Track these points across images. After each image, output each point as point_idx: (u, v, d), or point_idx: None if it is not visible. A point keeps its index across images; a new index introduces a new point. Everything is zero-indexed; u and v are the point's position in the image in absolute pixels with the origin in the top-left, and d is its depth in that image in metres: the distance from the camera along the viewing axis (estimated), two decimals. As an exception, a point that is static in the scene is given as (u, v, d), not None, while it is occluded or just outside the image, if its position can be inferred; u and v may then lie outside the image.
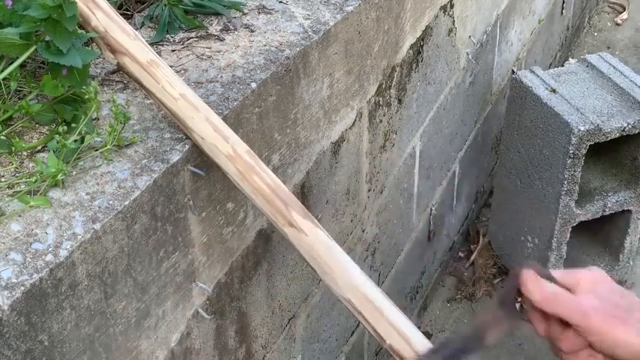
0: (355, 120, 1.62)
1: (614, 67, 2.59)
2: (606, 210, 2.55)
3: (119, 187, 0.95)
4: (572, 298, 0.87)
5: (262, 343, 1.42)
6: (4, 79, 0.98)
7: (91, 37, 1.04)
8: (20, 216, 0.89)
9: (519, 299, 0.91)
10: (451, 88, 2.29)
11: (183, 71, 1.20)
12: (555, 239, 2.55)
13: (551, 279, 0.89)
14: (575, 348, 0.87)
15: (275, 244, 1.38)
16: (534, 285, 0.88)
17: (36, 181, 0.91)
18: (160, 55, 1.22)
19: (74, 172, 0.96)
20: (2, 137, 0.96)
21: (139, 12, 1.35)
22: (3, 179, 0.93)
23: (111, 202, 0.92)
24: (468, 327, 0.92)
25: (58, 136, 0.94)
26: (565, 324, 0.87)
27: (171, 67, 1.20)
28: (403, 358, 0.92)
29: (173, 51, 1.25)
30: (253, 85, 1.18)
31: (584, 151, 2.35)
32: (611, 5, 4.60)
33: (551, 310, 0.87)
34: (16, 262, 0.83)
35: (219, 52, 1.26)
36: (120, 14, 1.07)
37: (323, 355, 1.76)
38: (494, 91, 2.85)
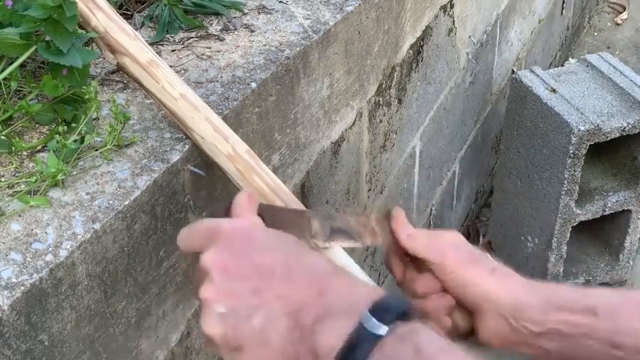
0: (355, 120, 1.62)
1: (614, 67, 2.59)
2: (606, 210, 2.55)
3: (119, 187, 0.95)
4: (431, 240, 0.93)
5: (262, 343, 1.42)
6: (4, 79, 0.98)
7: (91, 37, 1.04)
8: (20, 216, 0.89)
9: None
10: (451, 88, 2.29)
11: (183, 71, 1.20)
12: (555, 239, 2.55)
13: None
14: (427, 291, 0.92)
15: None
16: (400, 221, 0.93)
17: (36, 181, 0.91)
18: (159, 55, 1.22)
19: (74, 172, 0.96)
20: (2, 137, 0.96)
21: (139, 12, 1.35)
22: (3, 179, 0.93)
23: (111, 201, 0.92)
24: (348, 217, 0.94)
25: (58, 136, 0.94)
26: (420, 268, 0.93)
27: (171, 67, 1.20)
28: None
29: (173, 51, 1.25)
30: (253, 85, 1.18)
31: (584, 151, 2.35)
32: (611, 5, 4.60)
33: (412, 248, 0.92)
34: (16, 262, 0.83)
35: (219, 52, 1.26)
36: (120, 14, 1.07)
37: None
38: (494, 91, 2.85)
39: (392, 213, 0.94)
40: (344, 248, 0.93)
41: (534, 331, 0.87)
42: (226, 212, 0.85)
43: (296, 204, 1.01)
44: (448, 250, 0.91)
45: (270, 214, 0.88)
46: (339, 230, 0.91)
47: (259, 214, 0.85)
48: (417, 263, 0.94)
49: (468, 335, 0.94)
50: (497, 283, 0.89)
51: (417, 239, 0.93)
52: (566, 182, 2.41)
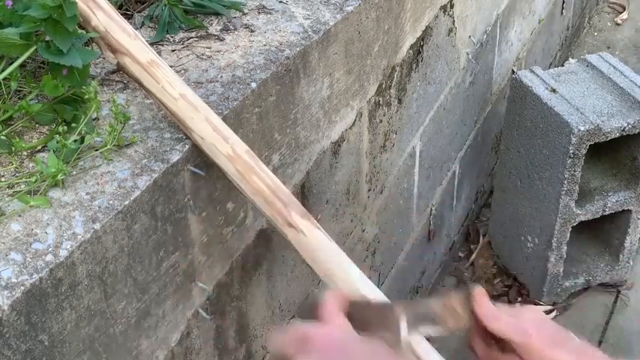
0: (355, 120, 1.62)
1: (614, 67, 2.59)
2: (606, 210, 2.55)
3: (119, 187, 0.95)
4: (515, 320, 0.91)
5: (262, 343, 1.42)
6: (4, 79, 0.98)
7: (91, 37, 1.04)
8: (20, 216, 0.89)
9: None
10: (451, 88, 2.29)
11: (183, 71, 1.20)
12: (555, 239, 2.55)
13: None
14: None
15: (275, 244, 1.38)
16: (482, 302, 0.91)
17: (36, 181, 0.91)
18: (159, 55, 1.22)
19: (74, 172, 0.96)
20: (2, 137, 0.96)
21: (139, 12, 1.35)
22: (3, 179, 0.93)
23: (111, 201, 0.92)
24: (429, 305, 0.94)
25: (58, 136, 0.94)
26: (504, 348, 0.91)
27: (171, 67, 1.20)
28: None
29: (173, 51, 1.25)
30: (253, 85, 1.18)
31: (584, 151, 2.35)
32: (611, 5, 4.60)
33: (493, 327, 0.90)
34: (16, 262, 0.83)
35: (219, 52, 1.26)
36: (120, 14, 1.07)
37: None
38: (494, 91, 2.85)
39: (472, 293, 0.92)
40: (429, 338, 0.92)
41: None
42: (312, 311, 0.86)
43: (295, 205, 1.01)
44: (533, 330, 0.90)
45: (357, 312, 0.89)
46: (424, 317, 0.90)
47: (347, 313, 0.86)
48: (500, 344, 0.92)
49: None
50: None
51: (502, 320, 0.90)
52: (566, 182, 2.41)
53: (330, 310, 0.85)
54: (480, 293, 0.92)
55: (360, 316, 0.88)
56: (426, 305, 0.92)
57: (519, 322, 0.91)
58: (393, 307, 0.90)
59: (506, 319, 0.91)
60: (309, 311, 0.87)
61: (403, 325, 0.88)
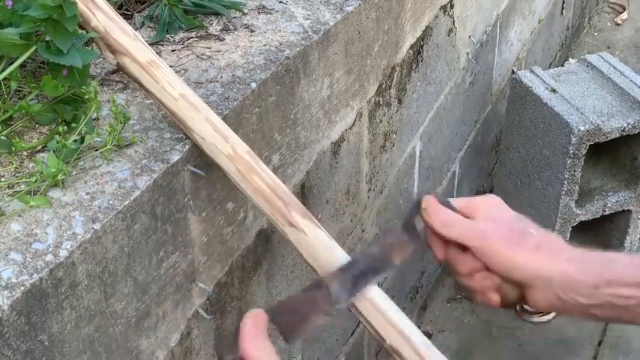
0: (355, 120, 1.62)
1: (614, 67, 2.59)
2: (606, 210, 2.55)
3: (119, 187, 0.95)
4: (468, 223, 0.90)
5: (262, 343, 1.42)
6: (4, 79, 0.98)
7: (91, 38, 1.04)
8: (20, 216, 0.89)
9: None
10: (451, 88, 2.29)
11: (183, 71, 1.20)
12: (555, 239, 2.55)
13: (450, 207, 0.93)
14: (471, 270, 0.90)
15: (275, 244, 1.38)
16: (433, 211, 0.91)
17: (36, 181, 0.91)
18: (159, 55, 1.22)
19: (74, 172, 0.96)
20: (2, 137, 0.96)
21: (139, 12, 1.35)
22: (3, 179, 0.93)
23: (111, 202, 0.92)
24: (373, 248, 0.96)
25: (58, 136, 0.94)
26: (462, 248, 0.90)
27: (171, 67, 1.20)
28: (403, 357, 0.93)
29: (173, 51, 1.25)
30: (253, 85, 1.18)
31: (584, 151, 2.35)
32: (611, 5, 4.60)
33: (448, 235, 0.90)
34: (16, 262, 0.83)
35: (219, 52, 1.26)
36: (120, 14, 1.07)
37: (323, 355, 1.76)
38: (494, 91, 2.85)
39: (422, 204, 0.92)
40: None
41: (584, 303, 0.87)
42: (234, 342, 0.86)
43: (296, 204, 1.01)
44: (488, 232, 0.89)
45: (283, 313, 0.89)
46: (363, 274, 0.91)
47: (274, 323, 0.87)
48: (458, 244, 0.91)
49: (516, 302, 0.92)
50: (545, 262, 0.87)
51: (455, 226, 0.90)
52: (566, 182, 2.41)
53: (248, 337, 0.84)
54: (428, 203, 0.92)
55: (288, 314, 0.89)
56: (365, 257, 0.93)
57: (474, 224, 0.90)
58: (326, 281, 0.90)
59: (460, 224, 0.90)
60: (232, 344, 0.86)
61: (338, 295, 0.88)
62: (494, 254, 0.88)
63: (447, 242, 0.92)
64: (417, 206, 0.93)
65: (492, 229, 0.89)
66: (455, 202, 0.94)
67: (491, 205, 0.93)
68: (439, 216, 0.91)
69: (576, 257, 0.88)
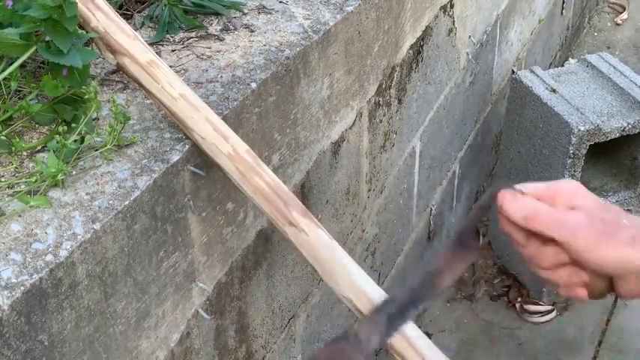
0: (355, 120, 1.62)
1: (614, 67, 2.59)
2: (606, 210, 2.55)
3: (119, 187, 0.95)
4: (556, 214, 0.81)
5: (262, 343, 1.42)
6: (4, 79, 0.98)
7: (90, 38, 1.04)
8: (20, 216, 0.89)
9: (481, 233, 0.85)
10: (451, 88, 2.29)
11: (183, 71, 1.20)
12: (555, 239, 2.55)
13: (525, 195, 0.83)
14: (556, 264, 0.82)
15: (275, 244, 1.38)
16: (513, 204, 0.82)
17: (36, 181, 0.91)
18: (159, 55, 1.22)
19: (74, 172, 0.96)
20: (2, 137, 0.96)
21: (139, 12, 1.35)
22: (3, 179, 0.93)
23: (111, 202, 0.92)
24: (413, 278, 0.85)
25: (58, 136, 0.94)
26: (545, 239, 0.81)
27: (171, 67, 1.20)
28: (404, 358, 0.92)
29: (173, 51, 1.25)
30: (253, 85, 1.18)
31: (584, 151, 2.35)
32: (611, 5, 4.60)
33: (534, 228, 0.81)
34: (16, 262, 0.83)
35: (219, 52, 1.26)
36: (120, 14, 1.07)
37: (323, 355, 1.76)
38: (494, 91, 2.85)
39: (497, 197, 0.82)
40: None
41: None
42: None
43: (296, 203, 1.01)
44: (578, 224, 0.79)
45: None
46: (400, 312, 0.82)
47: None
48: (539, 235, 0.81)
49: (604, 294, 0.84)
50: None
51: (539, 217, 0.80)
52: (566, 182, 2.41)
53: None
54: (505, 198, 0.82)
55: None
56: (404, 291, 0.83)
57: (563, 215, 0.80)
58: (354, 331, 0.83)
59: (546, 215, 0.80)
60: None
61: (368, 340, 0.81)
62: (587, 250, 0.79)
63: (528, 233, 0.82)
64: (484, 206, 0.84)
65: (583, 220, 0.80)
66: (531, 188, 0.84)
67: (572, 191, 0.83)
68: (521, 209, 0.81)
69: None
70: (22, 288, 0.80)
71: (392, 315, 0.83)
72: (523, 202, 0.82)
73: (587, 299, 0.83)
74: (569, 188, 0.83)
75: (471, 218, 0.86)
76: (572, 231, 0.79)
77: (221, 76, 1.19)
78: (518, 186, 0.83)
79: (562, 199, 0.82)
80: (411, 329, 0.93)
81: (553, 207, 0.82)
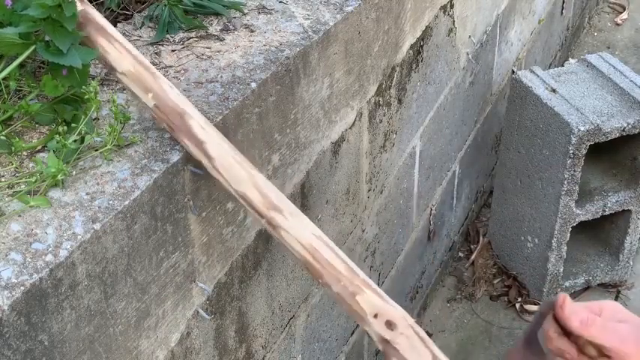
0: (355, 120, 1.62)
1: (614, 67, 2.59)
2: (606, 210, 2.55)
3: (119, 187, 0.95)
4: (608, 323, 0.85)
5: (262, 343, 1.42)
6: (3, 79, 0.98)
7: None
8: (20, 216, 0.89)
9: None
10: (451, 88, 2.29)
11: (183, 71, 1.20)
12: (555, 239, 2.55)
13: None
14: None
15: (275, 244, 1.38)
16: (572, 310, 0.86)
17: (36, 181, 0.91)
18: (159, 55, 1.23)
19: (74, 172, 0.96)
20: (2, 137, 0.96)
21: (139, 12, 1.35)
22: (3, 179, 0.93)
23: (111, 202, 0.92)
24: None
25: (58, 136, 0.94)
26: (596, 353, 0.86)
27: (171, 67, 1.20)
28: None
29: (173, 51, 1.25)
30: (253, 85, 1.18)
31: (584, 151, 2.35)
32: (611, 5, 4.60)
33: (589, 335, 0.85)
34: (16, 262, 0.83)
35: (219, 52, 1.26)
36: (120, 14, 1.06)
37: (323, 355, 1.76)
38: (494, 91, 2.85)
39: (558, 300, 0.87)
40: None
41: None
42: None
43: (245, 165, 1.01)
44: (628, 335, 0.84)
45: None
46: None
47: None
48: (592, 349, 0.87)
49: None
50: None
51: (594, 326, 0.85)
52: (566, 182, 2.41)
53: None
54: (565, 300, 0.86)
55: None
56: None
57: (613, 325, 0.85)
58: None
59: (599, 324, 0.85)
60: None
61: None
62: (635, 357, 0.84)
63: (579, 346, 0.87)
64: (545, 311, 0.88)
65: (631, 330, 0.85)
66: (579, 304, 0.89)
67: (616, 309, 0.89)
68: (578, 315, 0.86)
69: None
70: (22, 288, 0.80)
71: None
72: (580, 310, 0.86)
73: None
74: (613, 306, 0.89)
75: (534, 324, 0.90)
76: (622, 339, 0.84)
77: (221, 76, 1.19)
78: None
79: (607, 314, 0.87)
80: None
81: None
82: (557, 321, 0.87)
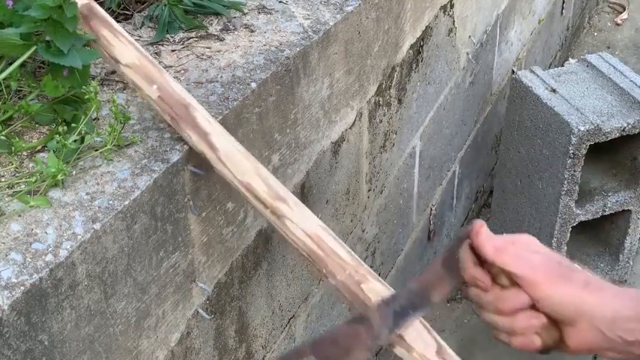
0: (355, 120, 1.62)
1: (614, 67, 2.59)
2: (606, 210, 2.55)
3: (119, 187, 0.95)
4: (520, 252, 0.87)
5: (262, 343, 1.42)
6: (4, 79, 0.98)
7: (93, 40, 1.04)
8: (20, 216, 0.89)
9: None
10: (451, 88, 2.29)
11: (183, 71, 1.20)
12: (555, 239, 2.55)
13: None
14: (515, 308, 0.87)
15: (275, 244, 1.38)
16: (487, 237, 0.88)
17: (36, 181, 0.91)
18: (159, 55, 1.23)
19: (74, 172, 0.96)
20: (2, 137, 0.96)
21: (139, 12, 1.35)
22: (3, 179, 0.93)
23: (111, 202, 0.92)
24: (412, 283, 0.94)
25: (58, 136, 0.94)
26: (508, 282, 0.87)
27: (171, 67, 1.20)
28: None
29: (173, 51, 1.25)
30: (253, 85, 1.18)
31: (584, 151, 2.35)
32: (611, 5, 4.60)
33: (501, 262, 0.86)
34: (16, 262, 0.83)
35: (219, 52, 1.26)
36: (120, 14, 1.07)
37: (323, 355, 1.76)
38: (494, 91, 2.85)
39: (474, 227, 0.88)
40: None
41: (629, 339, 0.84)
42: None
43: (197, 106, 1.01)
44: (538, 263, 0.86)
45: (326, 346, 0.90)
46: (404, 310, 0.90)
47: (315, 356, 0.88)
48: (504, 278, 0.88)
49: (553, 347, 0.89)
50: (593, 298, 0.85)
51: (507, 253, 0.87)
52: (566, 182, 2.41)
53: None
54: (482, 228, 0.88)
55: (329, 348, 0.89)
56: (404, 294, 0.92)
57: (526, 254, 0.87)
58: (362, 315, 0.90)
59: (512, 251, 0.87)
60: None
61: (376, 324, 0.88)
62: (544, 287, 0.85)
63: (492, 276, 0.89)
64: (463, 237, 0.90)
65: (542, 260, 0.87)
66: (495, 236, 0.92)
67: (530, 241, 0.90)
68: (492, 242, 0.87)
69: (620, 292, 0.86)
70: (22, 288, 0.80)
71: (397, 312, 0.90)
72: (495, 238, 0.88)
73: (539, 348, 0.89)
74: (528, 238, 0.90)
75: (452, 245, 0.92)
76: (533, 268, 0.86)
77: (221, 76, 1.19)
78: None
79: (522, 245, 0.89)
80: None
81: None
82: (473, 250, 0.88)
